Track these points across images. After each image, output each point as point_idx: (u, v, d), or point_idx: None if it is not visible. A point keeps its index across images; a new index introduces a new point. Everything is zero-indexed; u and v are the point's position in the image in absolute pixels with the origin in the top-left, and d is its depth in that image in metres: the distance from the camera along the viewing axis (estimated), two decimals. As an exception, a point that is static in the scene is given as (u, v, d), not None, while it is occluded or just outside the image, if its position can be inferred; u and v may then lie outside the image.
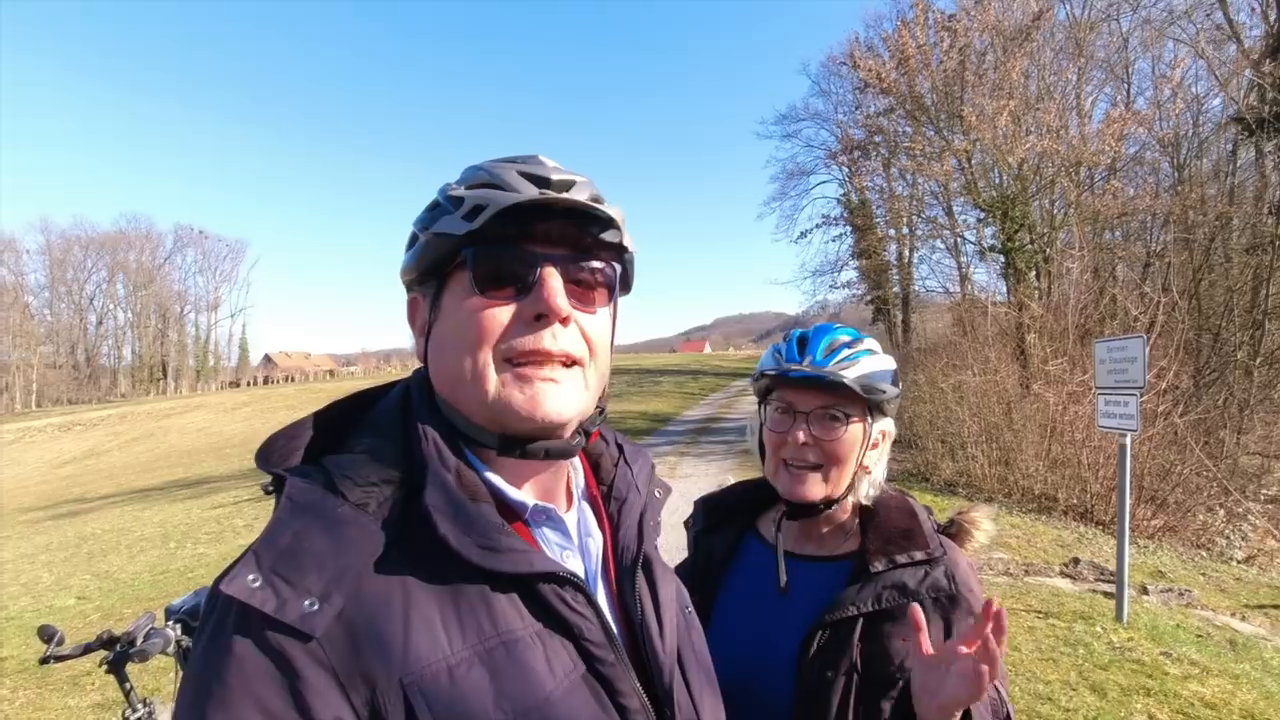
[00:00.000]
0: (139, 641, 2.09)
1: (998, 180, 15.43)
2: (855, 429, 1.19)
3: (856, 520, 1.27)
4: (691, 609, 0.91)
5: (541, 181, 0.70)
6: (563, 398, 0.70)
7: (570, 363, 0.71)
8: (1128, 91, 16.55)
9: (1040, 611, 5.19)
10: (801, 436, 1.18)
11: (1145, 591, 6.07)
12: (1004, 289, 15.05)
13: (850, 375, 1.17)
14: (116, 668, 2.10)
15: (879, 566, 1.14)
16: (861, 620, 1.11)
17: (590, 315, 0.74)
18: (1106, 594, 5.60)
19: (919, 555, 1.15)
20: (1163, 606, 5.66)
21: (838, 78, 24.62)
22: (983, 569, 6.32)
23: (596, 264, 0.74)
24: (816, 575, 1.22)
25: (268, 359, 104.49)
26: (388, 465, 0.67)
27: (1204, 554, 7.96)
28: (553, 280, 0.69)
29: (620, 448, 0.88)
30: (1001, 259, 15.01)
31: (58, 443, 35.54)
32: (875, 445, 1.24)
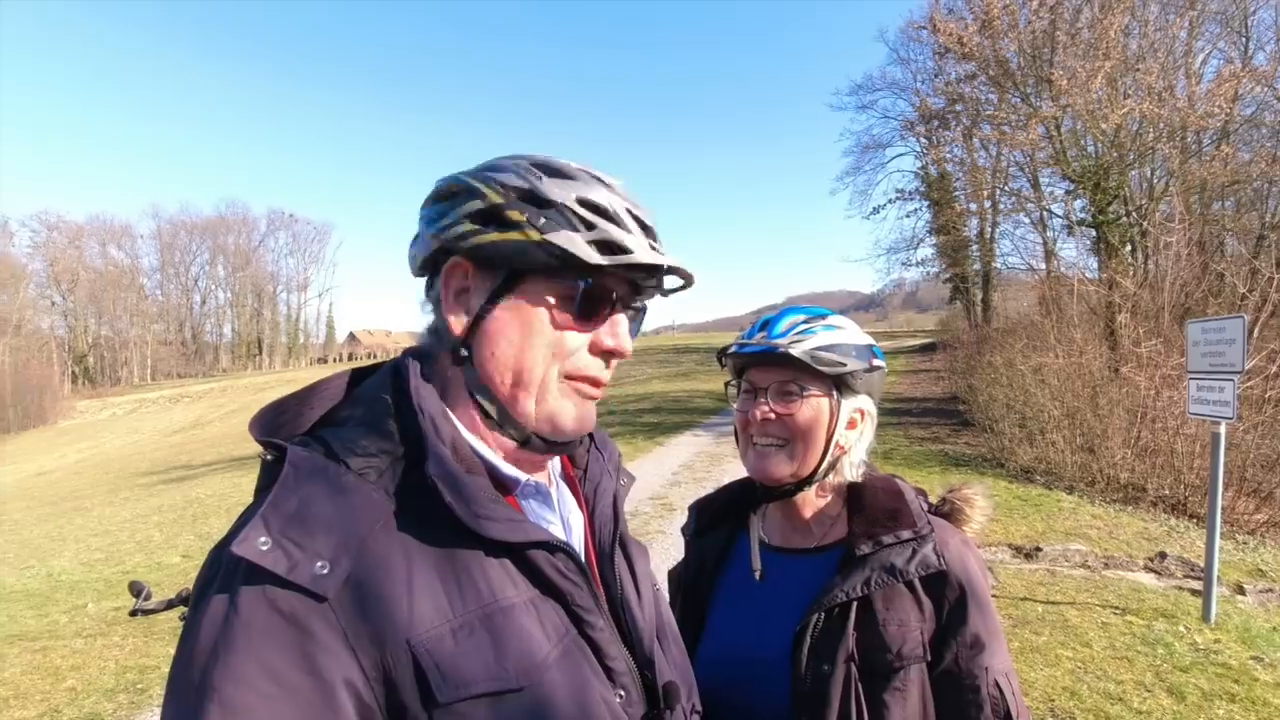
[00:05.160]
0: None
1: (1090, 149, 14.38)
2: (816, 403, 1.17)
3: (843, 507, 1.23)
4: (659, 587, 0.95)
5: (646, 229, 0.75)
6: (593, 416, 0.79)
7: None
8: (1245, 46, 15.05)
9: (1117, 607, 4.92)
10: (760, 412, 1.17)
11: (1241, 591, 5.64)
12: (1094, 265, 14.12)
13: (799, 348, 1.14)
14: None
15: (865, 549, 1.11)
16: (854, 606, 1.09)
17: None
18: (1194, 592, 5.24)
19: (905, 534, 1.12)
20: (1259, 608, 5.25)
21: (917, 44, 23.39)
22: (1057, 560, 6.04)
23: (648, 304, 0.82)
24: (805, 567, 1.19)
25: (352, 336, 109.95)
26: (385, 438, 0.69)
27: (1314, 553, 7.31)
28: (624, 324, 0.77)
29: (590, 435, 0.91)
30: (1092, 233, 14.07)
31: (168, 413, 38.75)
32: (852, 425, 1.21)
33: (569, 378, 0.74)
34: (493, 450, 0.75)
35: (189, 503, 11.73)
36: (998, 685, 1.05)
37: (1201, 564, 5.65)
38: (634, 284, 0.78)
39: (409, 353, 0.79)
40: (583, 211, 0.71)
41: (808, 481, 1.20)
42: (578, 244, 0.70)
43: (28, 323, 62.68)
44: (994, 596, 4.99)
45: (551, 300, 0.73)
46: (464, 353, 0.74)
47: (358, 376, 0.80)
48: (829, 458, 1.19)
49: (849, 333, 1.20)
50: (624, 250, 0.72)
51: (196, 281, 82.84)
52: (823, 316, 1.21)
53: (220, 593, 0.59)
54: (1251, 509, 7.96)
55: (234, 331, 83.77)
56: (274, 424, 0.72)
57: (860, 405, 1.21)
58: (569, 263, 0.70)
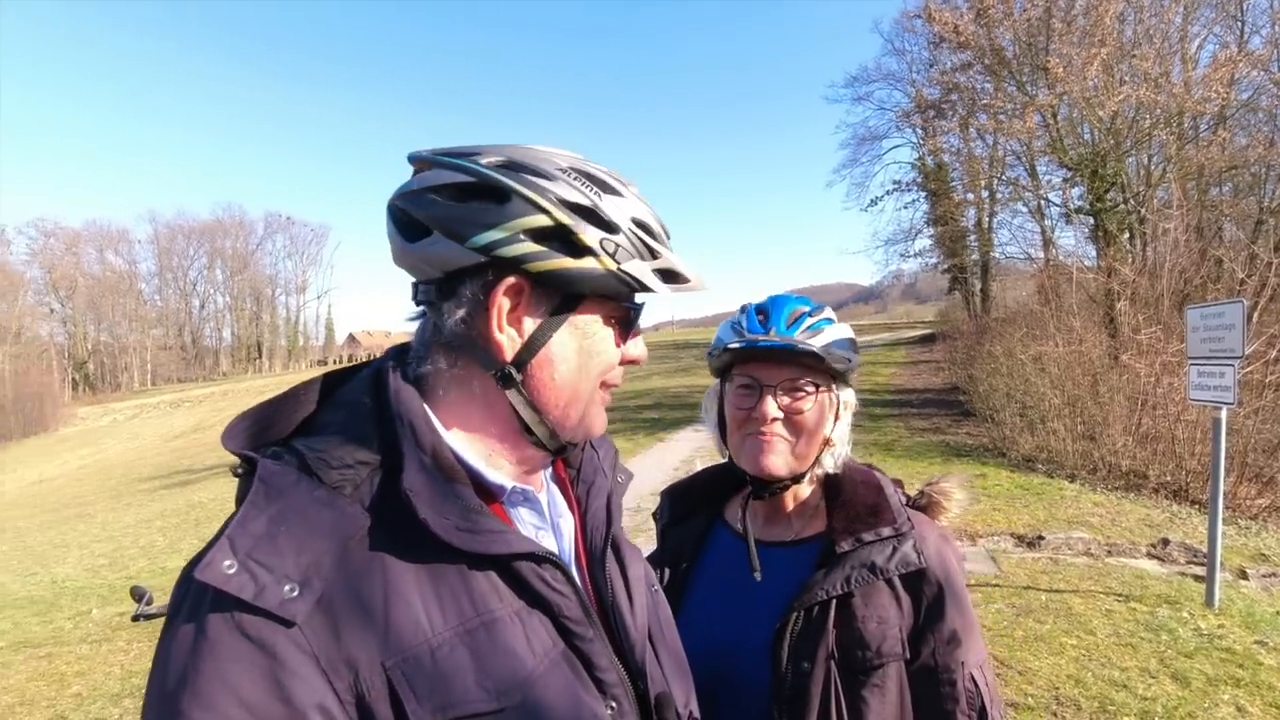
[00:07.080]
0: None
1: (1087, 136, 14.37)
2: (822, 399, 1.16)
3: (822, 499, 1.22)
4: (659, 588, 0.92)
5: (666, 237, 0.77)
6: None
7: None
8: (1241, 30, 14.97)
9: (1121, 594, 4.93)
10: (770, 410, 1.14)
11: (1244, 576, 5.65)
12: (1092, 253, 14.12)
13: (818, 343, 1.13)
14: None
15: (846, 546, 1.10)
16: (834, 604, 1.07)
17: None
18: (1197, 577, 5.24)
19: (886, 531, 1.11)
20: (1263, 592, 5.26)
21: (912, 34, 23.37)
22: (1060, 548, 6.04)
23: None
24: (785, 561, 1.18)
25: (352, 338, 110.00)
26: (363, 447, 0.66)
27: (1316, 537, 7.32)
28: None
29: None
30: (1090, 221, 14.06)
31: (169, 418, 38.73)
32: (838, 417, 1.20)
33: (602, 386, 0.76)
34: (478, 456, 0.72)
35: (191, 507, 11.76)
36: (973, 679, 1.06)
37: (1204, 550, 5.66)
38: None
39: (392, 352, 0.76)
40: (641, 235, 0.72)
41: (802, 476, 1.19)
42: (647, 275, 0.72)
43: (27, 330, 62.82)
44: (997, 586, 4.98)
45: (606, 322, 0.74)
46: (516, 375, 0.71)
47: (335, 380, 0.76)
48: (819, 452, 1.19)
49: (843, 326, 1.20)
50: (683, 280, 0.75)
51: (195, 286, 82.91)
52: (820, 309, 1.20)
53: (190, 616, 0.57)
54: (1253, 494, 7.96)
55: (233, 335, 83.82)
56: (247, 433, 0.69)
57: (847, 398, 1.22)
58: (628, 289, 0.72)
